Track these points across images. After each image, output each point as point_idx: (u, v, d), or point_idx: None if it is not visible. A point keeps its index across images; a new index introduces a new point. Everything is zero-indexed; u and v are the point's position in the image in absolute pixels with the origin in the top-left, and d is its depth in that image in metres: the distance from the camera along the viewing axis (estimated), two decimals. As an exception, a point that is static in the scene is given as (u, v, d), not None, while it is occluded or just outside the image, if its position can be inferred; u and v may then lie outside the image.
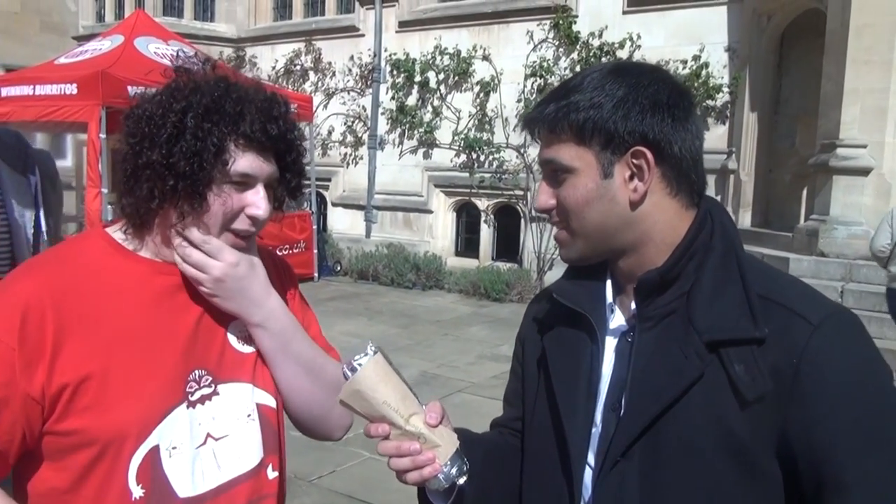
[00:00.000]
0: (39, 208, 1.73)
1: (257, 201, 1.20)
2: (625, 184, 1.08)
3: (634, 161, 1.07)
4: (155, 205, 1.16)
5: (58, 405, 1.10)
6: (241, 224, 1.21)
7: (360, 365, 1.10)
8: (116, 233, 1.25)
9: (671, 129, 1.07)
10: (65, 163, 13.95)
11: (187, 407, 1.19)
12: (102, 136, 8.29)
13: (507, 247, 11.94)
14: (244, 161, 1.17)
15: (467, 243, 12.57)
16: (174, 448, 1.17)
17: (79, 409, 1.11)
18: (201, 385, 1.22)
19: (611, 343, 1.15)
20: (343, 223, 13.58)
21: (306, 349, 1.32)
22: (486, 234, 12.17)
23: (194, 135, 1.14)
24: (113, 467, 1.13)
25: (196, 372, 1.22)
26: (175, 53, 1.28)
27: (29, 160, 1.74)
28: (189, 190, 1.15)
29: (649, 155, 1.06)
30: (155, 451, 1.15)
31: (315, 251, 11.57)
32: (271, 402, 1.31)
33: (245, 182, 1.19)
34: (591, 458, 1.13)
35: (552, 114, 1.10)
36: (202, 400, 1.22)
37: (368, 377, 1.10)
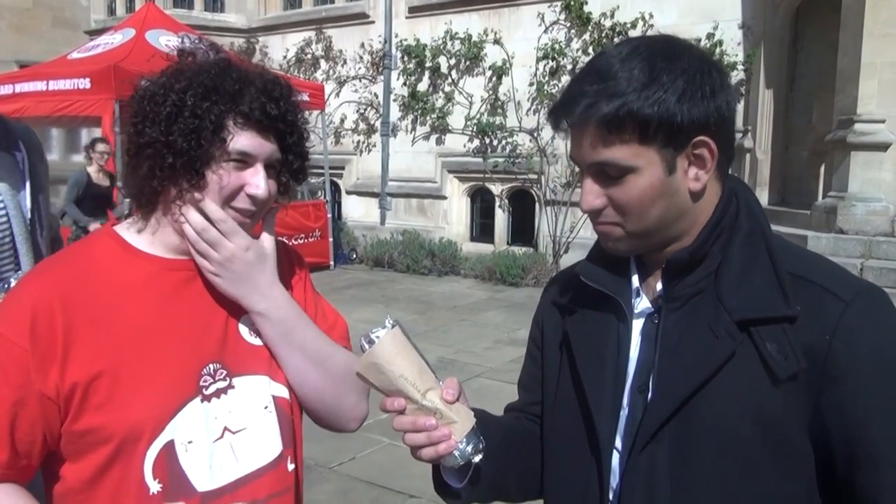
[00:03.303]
0: (26, 185, 1.65)
1: (256, 181, 1.19)
2: (685, 175, 1.05)
3: (695, 152, 1.04)
4: (155, 183, 1.16)
5: (72, 404, 1.11)
6: (241, 203, 1.20)
7: (377, 338, 1.09)
8: (125, 231, 1.25)
9: (727, 113, 1.05)
10: (80, 157, 14.03)
11: (201, 401, 1.19)
12: (116, 129, 8.34)
13: (523, 231, 11.91)
14: (243, 139, 1.17)
15: (482, 228, 12.54)
16: (190, 442, 1.17)
17: (92, 408, 1.12)
18: (216, 379, 1.21)
19: (636, 325, 1.13)
20: (358, 211, 13.59)
21: (312, 338, 1.30)
22: (501, 218, 12.14)
23: (193, 112, 1.14)
24: (129, 464, 1.13)
25: (211, 366, 1.21)
26: (181, 39, 1.28)
27: (11, 135, 1.66)
28: (187, 167, 1.15)
29: (712, 144, 1.03)
30: (170, 445, 1.15)
31: (330, 239, 11.61)
32: (287, 394, 1.30)
33: (245, 161, 1.19)
34: (617, 442, 1.11)
35: (611, 113, 1.01)
36: (217, 394, 1.21)
37: (386, 350, 1.08)
